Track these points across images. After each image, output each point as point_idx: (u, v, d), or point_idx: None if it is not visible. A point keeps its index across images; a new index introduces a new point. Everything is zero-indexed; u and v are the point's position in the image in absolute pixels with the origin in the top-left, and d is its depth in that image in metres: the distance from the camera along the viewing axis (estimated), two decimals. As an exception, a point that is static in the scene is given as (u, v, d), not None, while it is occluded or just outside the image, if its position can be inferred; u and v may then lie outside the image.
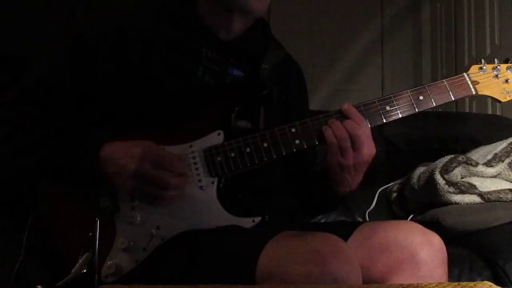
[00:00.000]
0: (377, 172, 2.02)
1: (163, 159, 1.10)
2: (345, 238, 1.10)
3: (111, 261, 1.09)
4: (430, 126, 2.14)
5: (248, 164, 1.15)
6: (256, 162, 1.15)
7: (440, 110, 2.41)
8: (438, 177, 1.73)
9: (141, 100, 1.18)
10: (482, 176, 1.77)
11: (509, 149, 1.79)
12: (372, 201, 1.99)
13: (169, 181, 1.09)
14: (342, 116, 1.17)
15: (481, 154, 1.85)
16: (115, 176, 1.09)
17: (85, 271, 1.04)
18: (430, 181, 1.76)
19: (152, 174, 1.08)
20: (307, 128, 1.17)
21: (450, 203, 1.70)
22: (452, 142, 2.08)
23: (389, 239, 1.10)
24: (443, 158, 1.80)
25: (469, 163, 1.76)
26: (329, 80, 3.94)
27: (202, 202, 1.13)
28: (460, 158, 1.76)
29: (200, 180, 1.14)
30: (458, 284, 0.88)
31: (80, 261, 1.04)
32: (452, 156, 1.79)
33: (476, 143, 1.96)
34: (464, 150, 1.92)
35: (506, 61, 1.26)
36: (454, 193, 1.69)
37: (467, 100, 3.21)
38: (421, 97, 1.20)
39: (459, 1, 3.45)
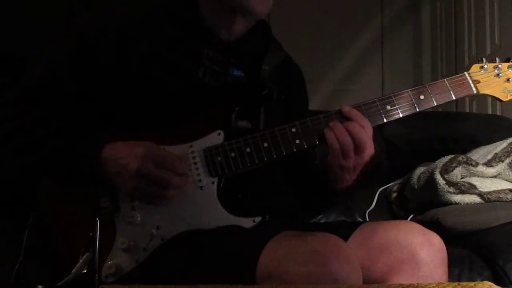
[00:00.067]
0: (377, 172, 2.02)
1: (165, 159, 1.10)
2: (345, 238, 1.10)
3: (111, 261, 1.09)
4: (430, 126, 2.14)
5: (248, 164, 1.15)
6: (256, 162, 1.15)
7: (440, 110, 2.42)
8: (438, 177, 1.73)
9: (142, 100, 1.18)
10: (482, 176, 1.77)
11: (509, 149, 1.79)
12: (372, 201, 1.99)
13: (171, 180, 1.09)
14: (343, 116, 1.17)
15: (481, 154, 1.85)
16: (116, 176, 1.09)
17: (85, 271, 1.04)
18: (430, 181, 1.76)
19: (154, 173, 1.08)
20: (308, 128, 1.17)
21: (450, 203, 1.70)
22: (452, 142, 2.08)
23: (389, 239, 1.10)
24: (443, 158, 1.80)
25: (469, 163, 1.76)
26: (329, 80, 3.94)
27: (202, 202, 1.13)
28: (460, 158, 1.76)
29: (200, 180, 1.14)
30: (458, 284, 0.88)
31: (80, 261, 1.04)
32: (452, 156, 1.79)
33: (476, 143, 1.96)
34: (464, 150, 1.92)
35: (507, 60, 1.25)
36: (454, 193, 1.70)
37: (467, 100, 3.21)
38: (422, 97, 1.20)
39: (459, 1, 3.45)
